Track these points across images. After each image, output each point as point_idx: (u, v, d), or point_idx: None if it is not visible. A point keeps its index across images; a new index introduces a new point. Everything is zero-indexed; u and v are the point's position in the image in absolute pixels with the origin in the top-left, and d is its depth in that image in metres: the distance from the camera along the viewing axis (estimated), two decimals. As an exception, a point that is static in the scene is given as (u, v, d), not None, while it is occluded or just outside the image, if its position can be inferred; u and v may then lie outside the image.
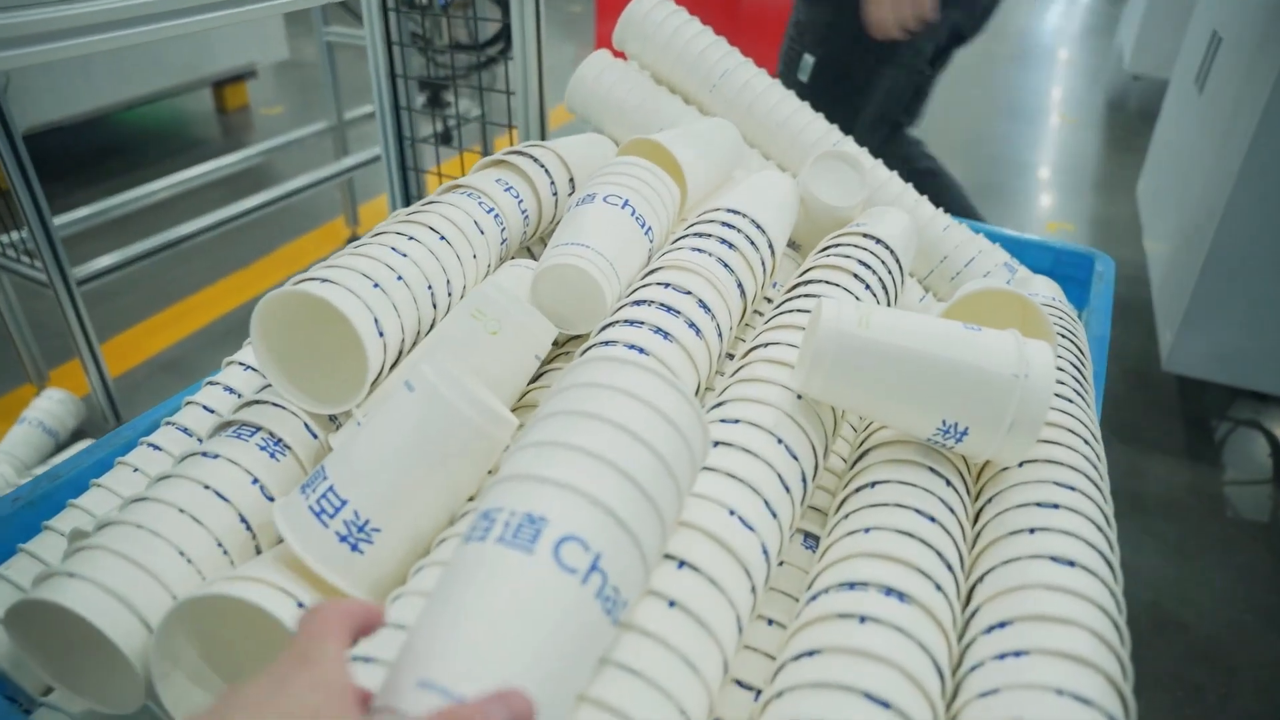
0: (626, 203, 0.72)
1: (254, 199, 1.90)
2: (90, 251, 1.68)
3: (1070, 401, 0.66)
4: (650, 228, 0.74)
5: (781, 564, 0.59)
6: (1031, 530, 0.53)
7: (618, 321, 0.64)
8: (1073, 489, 0.56)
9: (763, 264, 0.74)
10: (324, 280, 0.58)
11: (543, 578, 0.37)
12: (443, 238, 0.68)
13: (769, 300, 0.83)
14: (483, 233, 0.72)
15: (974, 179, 2.97)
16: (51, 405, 1.58)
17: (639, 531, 0.41)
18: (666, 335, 0.63)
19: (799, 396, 0.60)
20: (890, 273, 0.78)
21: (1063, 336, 0.77)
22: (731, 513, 0.50)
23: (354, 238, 2.38)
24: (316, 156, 2.63)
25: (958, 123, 3.55)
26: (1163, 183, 2.20)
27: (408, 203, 1.48)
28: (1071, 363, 0.72)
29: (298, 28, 3.49)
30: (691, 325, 0.64)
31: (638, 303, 0.65)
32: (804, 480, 0.57)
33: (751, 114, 1.03)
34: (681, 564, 0.47)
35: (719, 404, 0.60)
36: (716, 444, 0.55)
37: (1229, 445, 1.74)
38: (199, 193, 2.20)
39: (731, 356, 0.74)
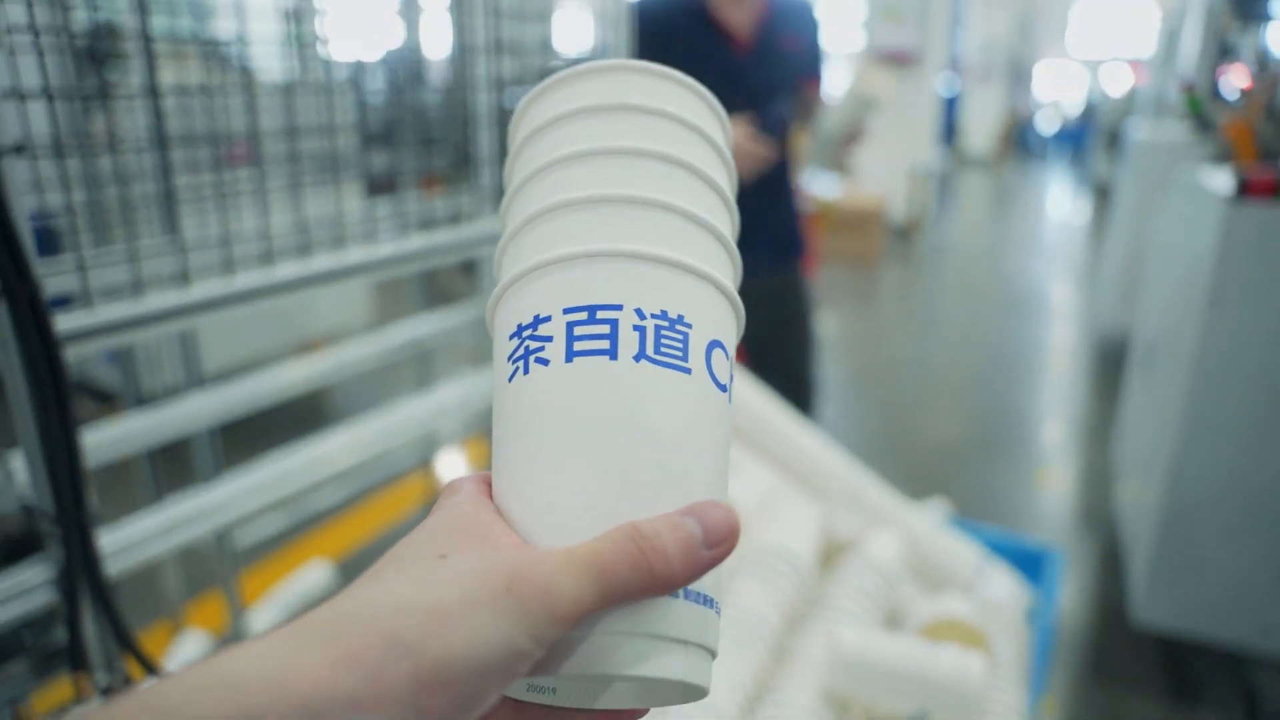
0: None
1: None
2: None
3: (1006, 685, 1.01)
4: None
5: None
6: (973, 781, 0.87)
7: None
8: (1001, 752, 0.91)
9: (800, 586, 1.12)
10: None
11: (709, 398, 0.32)
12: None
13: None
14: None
15: (971, 431, 3.39)
16: (195, 650, 1.89)
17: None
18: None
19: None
20: (888, 585, 1.15)
21: (1008, 630, 1.13)
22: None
23: (431, 500, 2.77)
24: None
25: (954, 375, 4.01)
26: (1128, 441, 2.59)
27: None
28: (1010, 655, 1.07)
29: (387, 301, 4.06)
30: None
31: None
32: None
33: (783, 451, 1.44)
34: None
35: (770, 695, 0.96)
36: (778, 723, 0.90)
37: (1206, 687, 2.02)
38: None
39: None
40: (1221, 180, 1.79)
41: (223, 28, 1.15)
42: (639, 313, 0.31)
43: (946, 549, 1.35)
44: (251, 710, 0.21)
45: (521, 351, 0.32)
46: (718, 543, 0.29)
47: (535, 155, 0.35)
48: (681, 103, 0.35)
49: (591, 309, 0.31)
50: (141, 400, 1.60)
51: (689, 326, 0.32)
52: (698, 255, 0.33)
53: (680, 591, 0.29)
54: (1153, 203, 3.34)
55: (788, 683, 0.96)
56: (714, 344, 0.32)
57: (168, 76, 0.97)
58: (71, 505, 0.73)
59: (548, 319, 0.31)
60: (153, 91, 0.90)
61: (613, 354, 0.30)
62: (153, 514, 0.92)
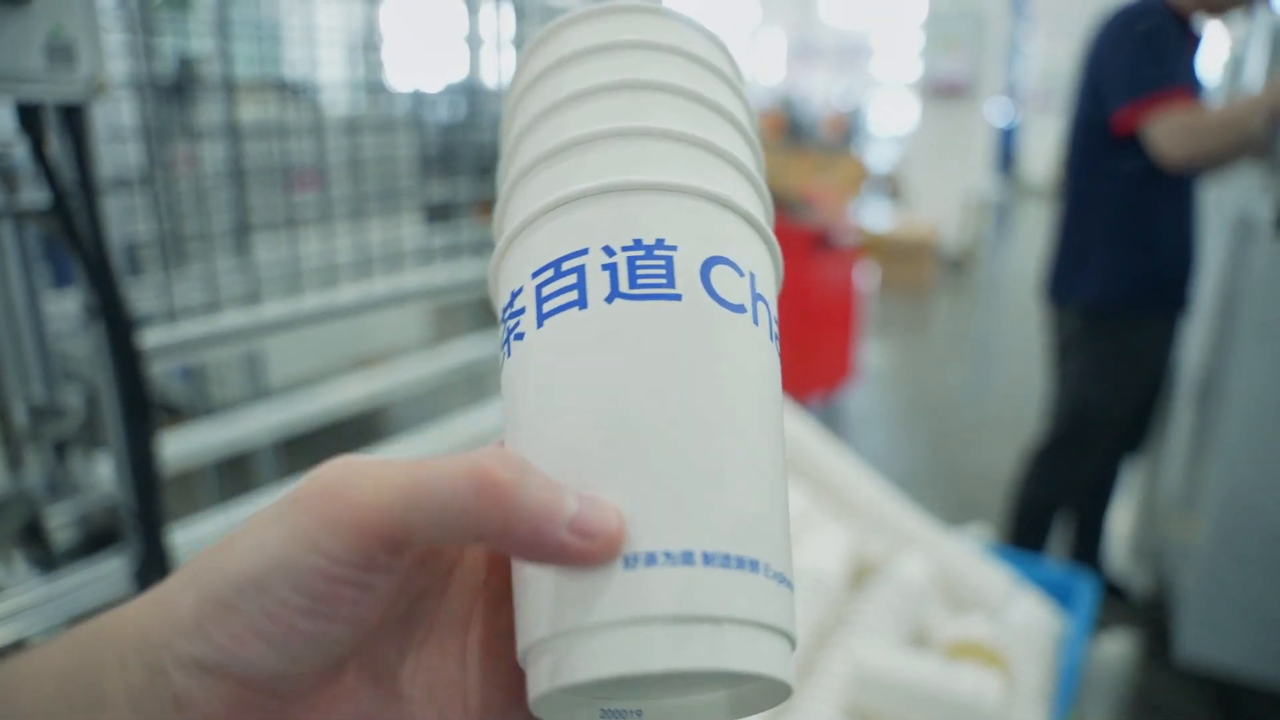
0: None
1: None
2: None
3: (1026, 706, 1.03)
4: None
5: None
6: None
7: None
8: (1017, 769, 0.93)
9: (827, 605, 1.15)
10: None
11: (717, 322, 0.26)
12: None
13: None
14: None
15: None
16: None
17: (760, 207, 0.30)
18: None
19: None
20: (914, 606, 1.18)
21: (1031, 654, 1.15)
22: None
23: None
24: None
25: (1003, 406, 3.97)
26: (1176, 475, 2.55)
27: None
28: (1033, 678, 1.09)
29: (444, 320, 4.17)
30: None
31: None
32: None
33: (816, 473, 1.47)
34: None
35: (795, 707, 0.99)
36: (798, 732, 0.94)
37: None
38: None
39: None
40: (1264, 210, 1.78)
41: (294, 68, 1.25)
42: (607, 250, 0.27)
43: (975, 573, 1.37)
44: (85, 654, 0.23)
45: (504, 336, 0.28)
46: (585, 535, 0.23)
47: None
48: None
49: (556, 263, 0.27)
50: (210, 412, 1.70)
51: (673, 249, 0.27)
52: (673, 170, 0.28)
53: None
54: (1207, 232, 3.29)
55: (813, 694, 1.00)
56: (714, 260, 0.27)
57: (245, 113, 1.06)
58: (150, 502, 0.81)
59: (519, 290, 0.28)
60: (231, 129, 0.99)
61: (581, 303, 0.26)
62: (220, 515, 1.00)
